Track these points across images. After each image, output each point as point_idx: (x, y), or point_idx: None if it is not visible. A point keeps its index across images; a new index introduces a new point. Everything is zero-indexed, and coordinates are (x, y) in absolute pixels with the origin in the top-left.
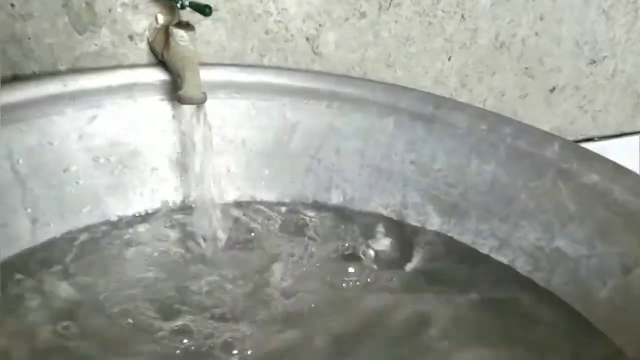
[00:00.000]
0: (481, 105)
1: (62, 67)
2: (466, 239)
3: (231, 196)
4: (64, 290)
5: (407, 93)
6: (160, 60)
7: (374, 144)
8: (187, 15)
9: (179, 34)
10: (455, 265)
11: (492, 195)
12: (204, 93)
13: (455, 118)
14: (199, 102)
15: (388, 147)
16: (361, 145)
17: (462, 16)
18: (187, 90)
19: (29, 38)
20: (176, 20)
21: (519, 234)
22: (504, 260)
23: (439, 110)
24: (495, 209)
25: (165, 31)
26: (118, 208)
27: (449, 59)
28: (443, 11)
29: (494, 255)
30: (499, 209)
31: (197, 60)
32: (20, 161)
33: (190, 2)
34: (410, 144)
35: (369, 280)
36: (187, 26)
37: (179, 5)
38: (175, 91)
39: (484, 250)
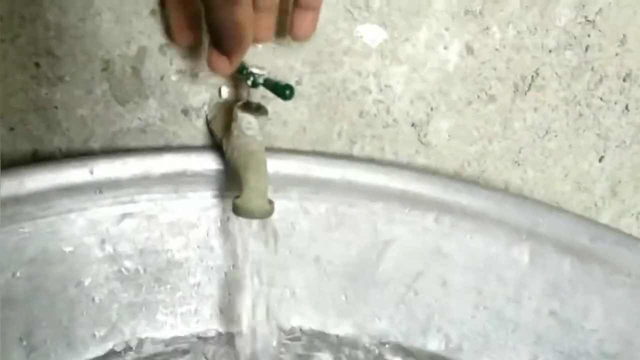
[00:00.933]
0: (633, 220)
1: (96, 145)
2: None
3: (293, 325)
4: None
5: (551, 213)
6: (219, 144)
7: (498, 281)
8: (260, 90)
9: (246, 119)
10: None
11: None
12: (270, 203)
13: (623, 258)
14: (262, 217)
15: (518, 287)
16: (478, 279)
17: (626, 107)
18: (248, 198)
19: (56, 107)
20: (244, 99)
21: None
22: None
23: (599, 244)
24: None
25: (229, 111)
26: (142, 332)
27: (600, 160)
28: (601, 99)
29: None
30: None
31: (264, 157)
32: (19, 274)
33: (265, 80)
34: (552, 287)
35: None
36: (257, 109)
37: (249, 82)
38: (231, 188)
39: None
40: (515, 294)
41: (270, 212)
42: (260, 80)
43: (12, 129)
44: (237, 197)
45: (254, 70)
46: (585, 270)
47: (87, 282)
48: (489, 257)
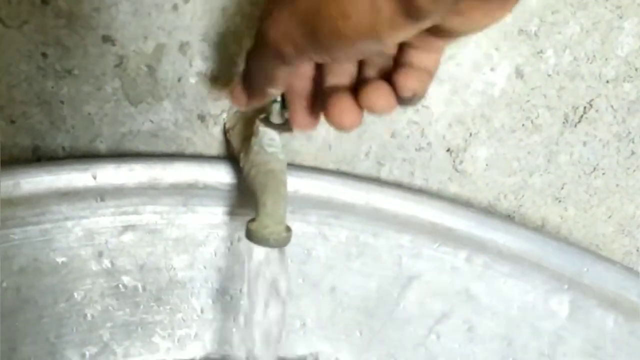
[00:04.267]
0: None
1: (102, 146)
2: None
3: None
4: None
5: (597, 263)
6: (236, 157)
7: (531, 332)
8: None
9: (268, 135)
10: None
11: None
12: (288, 230)
13: None
14: (278, 246)
15: (554, 341)
16: (509, 328)
17: None
18: (264, 224)
19: (62, 102)
20: (268, 111)
21: None
22: None
23: None
24: None
25: (250, 122)
26: (136, 354)
27: None
28: None
29: None
30: None
31: (285, 178)
32: (6, 284)
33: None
34: (592, 345)
35: None
36: (281, 124)
37: (277, 103)
38: (245, 206)
39: None
40: (550, 348)
41: (287, 241)
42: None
43: (13, 121)
44: (252, 220)
45: None
46: (631, 330)
47: (79, 296)
48: (524, 305)
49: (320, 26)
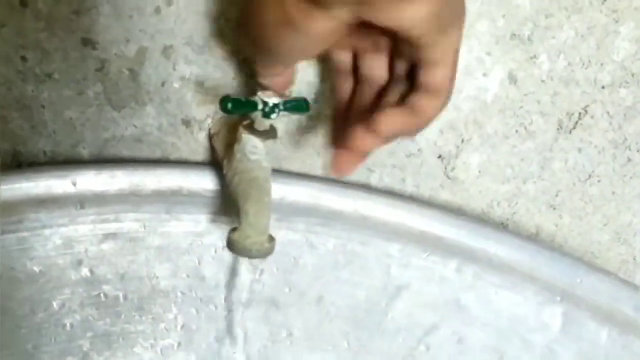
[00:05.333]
0: None
1: (85, 152)
2: None
3: None
4: None
5: (592, 274)
6: (221, 163)
7: (523, 345)
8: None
9: (251, 142)
10: None
11: None
12: (271, 241)
13: None
14: (260, 257)
15: (546, 354)
16: (500, 340)
17: None
18: (245, 234)
19: (43, 107)
20: (252, 117)
21: None
22: None
23: None
24: None
25: (235, 128)
26: None
27: None
28: None
29: None
30: None
31: (269, 186)
32: None
33: (283, 106)
34: (586, 358)
35: None
36: (266, 131)
37: (260, 114)
38: (229, 214)
39: None
40: None
41: (269, 252)
42: (276, 111)
43: None
44: (234, 230)
45: (266, 100)
46: (625, 344)
47: (58, 306)
48: (515, 317)
49: (252, 23)
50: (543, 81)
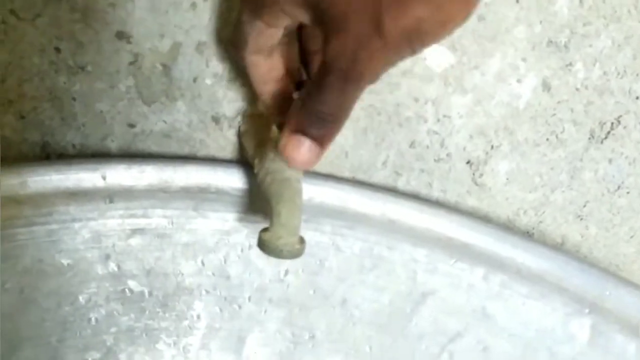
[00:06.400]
0: None
1: (113, 145)
2: None
3: None
4: None
5: (621, 287)
6: (249, 161)
7: (549, 357)
8: None
9: None
10: None
11: None
12: (301, 242)
13: None
14: (291, 257)
15: None
16: (526, 351)
17: None
18: (277, 235)
19: (74, 99)
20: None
21: None
22: None
23: None
24: None
25: (266, 125)
26: None
27: None
28: None
29: None
30: None
31: (301, 187)
32: (9, 285)
33: None
34: None
35: None
36: None
37: None
38: (258, 213)
39: None
40: None
41: (300, 253)
42: None
43: (22, 117)
44: (265, 230)
45: None
46: None
47: (84, 300)
48: (542, 328)
49: None
50: (577, 89)
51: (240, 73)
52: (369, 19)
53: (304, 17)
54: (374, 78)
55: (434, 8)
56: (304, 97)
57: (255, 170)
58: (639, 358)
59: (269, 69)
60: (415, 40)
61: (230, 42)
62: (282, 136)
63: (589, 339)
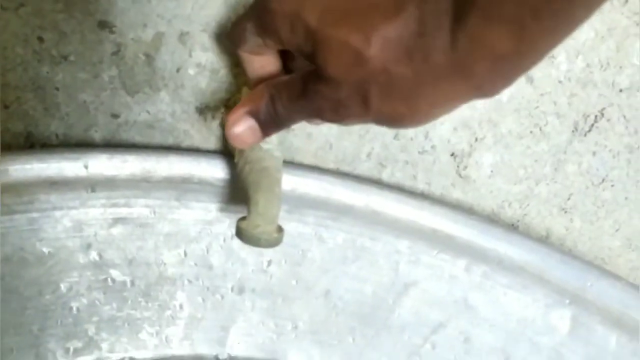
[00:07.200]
0: None
1: (96, 135)
2: None
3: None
4: None
5: (602, 279)
6: (231, 151)
7: (530, 347)
8: None
9: None
10: None
11: None
12: (279, 231)
13: None
14: (269, 246)
15: (554, 356)
16: (508, 341)
17: None
18: (254, 223)
19: (57, 89)
20: None
21: None
22: None
23: None
24: None
25: None
26: (121, 351)
27: None
28: None
29: None
30: None
31: (280, 176)
32: None
33: None
34: None
35: None
36: None
37: None
38: (239, 203)
39: None
40: None
41: (278, 241)
42: None
43: (6, 107)
44: (243, 218)
45: None
46: (634, 350)
47: (65, 289)
48: (523, 319)
49: None
50: (560, 82)
51: (224, 64)
52: (357, 91)
53: (300, 54)
54: (340, 124)
55: (414, 108)
56: (279, 85)
57: (235, 160)
58: (619, 350)
59: (263, 64)
60: (394, 124)
61: (227, 36)
62: (238, 106)
63: (569, 330)
